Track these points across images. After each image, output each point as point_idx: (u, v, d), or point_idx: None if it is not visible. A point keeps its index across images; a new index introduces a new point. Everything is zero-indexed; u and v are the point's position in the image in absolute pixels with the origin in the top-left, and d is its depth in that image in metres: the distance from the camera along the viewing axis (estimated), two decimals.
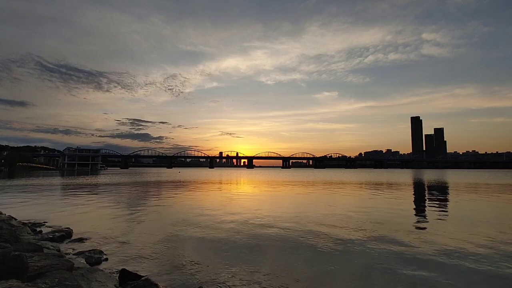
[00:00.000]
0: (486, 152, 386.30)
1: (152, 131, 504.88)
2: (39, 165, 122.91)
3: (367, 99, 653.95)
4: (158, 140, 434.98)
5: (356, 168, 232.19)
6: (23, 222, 8.88)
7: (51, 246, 6.05)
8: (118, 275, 4.62)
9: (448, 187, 27.22)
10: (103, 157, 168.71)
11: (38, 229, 8.27)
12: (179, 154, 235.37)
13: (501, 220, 10.02)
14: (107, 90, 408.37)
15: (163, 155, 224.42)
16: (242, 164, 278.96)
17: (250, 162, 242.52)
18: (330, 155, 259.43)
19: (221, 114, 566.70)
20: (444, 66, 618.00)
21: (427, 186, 28.21)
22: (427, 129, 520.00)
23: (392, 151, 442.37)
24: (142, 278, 4.42)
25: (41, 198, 16.57)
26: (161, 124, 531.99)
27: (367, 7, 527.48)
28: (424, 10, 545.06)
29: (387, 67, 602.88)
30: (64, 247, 6.57)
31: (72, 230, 8.04)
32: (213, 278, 4.83)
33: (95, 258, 5.63)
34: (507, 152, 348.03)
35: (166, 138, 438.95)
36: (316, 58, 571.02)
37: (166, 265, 5.44)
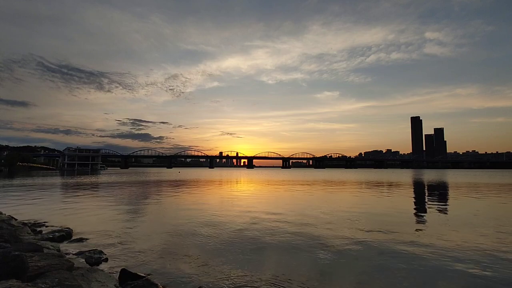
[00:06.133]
0: (486, 152, 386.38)
1: (153, 131, 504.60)
2: (39, 165, 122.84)
3: (368, 98, 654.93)
4: (158, 140, 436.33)
5: (356, 168, 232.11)
6: (23, 222, 8.88)
7: (51, 246, 6.05)
8: (118, 275, 4.62)
9: (448, 187, 27.22)
10: (103, 157, 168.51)
11: (38, 229, 8.27)
12: (179, 154, 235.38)
13: (501, 220, 10.02)
14: (108, 91, 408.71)
15: (163, 155, 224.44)
16: (242, 164, 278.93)
17: (250, 162, 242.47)
18: (330, 155, 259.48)
19: (222, 114, 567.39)
20: (446, 66, 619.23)
21: (427, 186, 28.21)
22: (427, 129, 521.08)
23: (392, 151, 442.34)
24: (142, 278, 4.42)
25: (41, 198, 16.56)
26: (161, 124, 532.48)
27: (369, 6, 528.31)
28: (427, 9, 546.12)
29: (389, 67, 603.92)
30: (64, 247, 6.56)
31: (72, 230, 8.04)
32: (214, 278, 4.83)
33: (95, 258, 5.63)
34: (507, 152, 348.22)
35: (167, 138, 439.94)
36: (317, 57, 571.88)
37: (166, 265, 5.44)
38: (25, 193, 19.48)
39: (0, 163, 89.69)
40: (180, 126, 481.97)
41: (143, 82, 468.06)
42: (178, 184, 31.17)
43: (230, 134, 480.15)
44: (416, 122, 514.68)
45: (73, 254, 5.95)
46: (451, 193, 21.17)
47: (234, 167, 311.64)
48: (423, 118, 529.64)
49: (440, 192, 22.06)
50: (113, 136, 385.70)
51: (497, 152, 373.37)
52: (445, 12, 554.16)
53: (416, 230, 8.52)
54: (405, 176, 56.47)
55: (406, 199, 17.19)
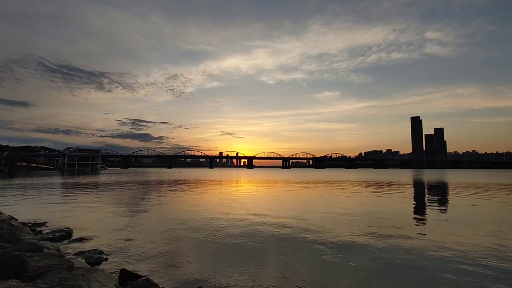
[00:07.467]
0: (486, 152, 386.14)
1: (153, 131, 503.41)
2: (39, 165, 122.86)
3: (368, 98, 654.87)
4: (158, 140, 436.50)
5: (356, 168, 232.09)
6: (23, 222, 8.88)
7: (51, 246, 6.05)
8: (118, 275, 4.62)
9: (447, 187, 27.22)
10: (103, 157, 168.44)
11: (38, 229, 8.28)
12: (179, 154, 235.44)
13: (500, 220, 10.01)
14: (109, 91, 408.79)
15: (163, 155, 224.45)
16: (242, 164, 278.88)
17: (250, 162, 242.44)
18: (330, 155, 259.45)
19: (222, 114, 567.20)
20: (446, 65, 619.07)
21: (427, 186, 28.21)
22: (427, 129, 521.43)
23: (392, 151, 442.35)
24: (142, 278, 4.42)
25: (41, 198, 16.56)
26: (161, 124, 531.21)
27: (370, 6, 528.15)
28: (427, 9, 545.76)
29: (390, 66, 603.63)
30: (64, 247, 6.57)
31: (72, 230, 8.05)
32: (213, 278, 4.83)
33: (95, 258, 5.63)
34: (507, 152, 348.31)
35: (167, 138, 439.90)
36: (318, 57, 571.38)
37: (166, 265, 5.44)
38: (25, 193, 19.48)
39: (0, 163, 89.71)
40: (180, 126, 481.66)
41: (143, 82, 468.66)
42: (178, 184, 31.17)
43: (230, 134, 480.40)
44: (416, 122, 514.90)
45: (73, 254, 5.96)
46: (451, 193, 21.16)
47: (234, 167, 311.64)
48: (423, 118, 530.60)
49: (440, 192, 22.05)
50: (113, 136, 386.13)
51: (497, 152, 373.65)
52: (445, 11, 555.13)
53: (416, 230, 8.52)
54: (405, 176, 56.47)
55: (406, 199, 17.18)
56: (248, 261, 5.70)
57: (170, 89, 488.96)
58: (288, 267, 5.39)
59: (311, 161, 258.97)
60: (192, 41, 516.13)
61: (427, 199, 17.79)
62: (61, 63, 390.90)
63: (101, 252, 6.09)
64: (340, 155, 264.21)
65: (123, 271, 4.59)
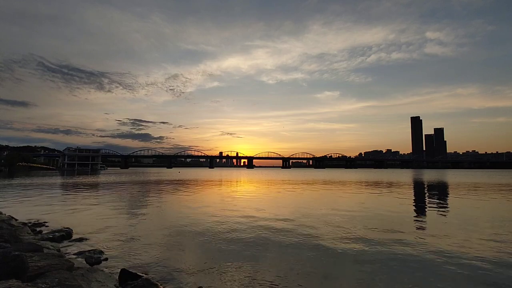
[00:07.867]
0: (486, 152, 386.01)
1: (153, 131, 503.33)
2: (39, 165, 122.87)
3: (368, 98, 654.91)
4: (158, 140, 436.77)
5: (356, 168, 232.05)
6: (23, 222, 8.90)
7: (51, 246, 6.06)
8: (118, 275, 4.62)
9: (447, 187, 27.22)
10: (103, 157, 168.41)
11: (38, 229, 8.28)
12: (179, 154, 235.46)
13: (500, 220, 10.01)
14: (109, 91, 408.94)
15: (163, 155, 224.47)
16: (242, 164, 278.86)
17: (250, 162, 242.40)
18: (330, 155, 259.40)
19: (222, 114, 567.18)
20: (446, 65, 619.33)
21: (427, 186, 28.22)
22: (427, 129, 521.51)
23: (392, 151, 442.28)
24: (142, 278, 4.43)
25: (41, 198, 16.57)
26: (161, 124, 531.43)
27: (370, 6, 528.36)
28: (428, 9, 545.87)
29: (390, 66, 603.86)
30: (64, 247, 6.57)
31: (72, 230, 8.05)
32: (213, 278, 4.83)
33: (95, 258, 5.63)
34: (507, 152, 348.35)
35: (167, 138, 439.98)
36: (318, 57, 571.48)
37: (166, 265, 5.44)
38: (25, 193, 19.48)
39: (0, 163, 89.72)
40: (180, 126, 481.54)
41: (143, 82, 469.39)
42: (178, 184, 31.17)
43: (230, 134, 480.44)
44: (416, 122, 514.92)
45: (73, 254, 5.96)
46: (450, 193, 21.17)
47: (234, 167, 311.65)
48: (423, 118, 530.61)
49: (440, 192, 22.06)
50: (113, 136, 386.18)
51: (497, 152, 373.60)
52: (446, 11, 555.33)
53: (416, 230, 8.53)
54: (405, 176, 56.47)
55: (405, 200, 17.18)
56: (248, 261, 5.70)
57: (170, 89, 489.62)
58: (288, 267, 5.39)
59: (311, 161, 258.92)
60: (192, 41, 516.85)
61: (427, 200, 17.79)
62: (61, 63, 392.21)
63: (101, 252, 6.09)
64: (340, 155, 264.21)
65: (123, 271, 4.59)
